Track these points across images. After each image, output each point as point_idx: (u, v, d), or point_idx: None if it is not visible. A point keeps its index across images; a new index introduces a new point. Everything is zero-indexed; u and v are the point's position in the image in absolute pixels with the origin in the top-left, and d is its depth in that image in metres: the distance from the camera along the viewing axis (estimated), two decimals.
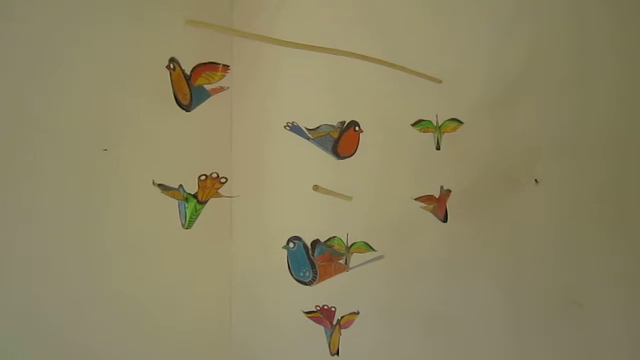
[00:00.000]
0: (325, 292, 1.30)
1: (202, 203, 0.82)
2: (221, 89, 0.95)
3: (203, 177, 0.79)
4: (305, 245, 0.79)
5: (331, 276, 0.79)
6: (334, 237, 0.93)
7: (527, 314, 1.06)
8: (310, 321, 0.94)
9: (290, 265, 0.80)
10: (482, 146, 1.14)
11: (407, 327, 1.24)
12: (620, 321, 0.95)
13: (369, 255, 0.87)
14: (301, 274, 0.79)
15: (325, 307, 0.91)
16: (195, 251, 1.52)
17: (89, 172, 1.32)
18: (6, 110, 1.19)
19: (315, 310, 0.92)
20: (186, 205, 0.84)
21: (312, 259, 0.78)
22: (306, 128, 0.92)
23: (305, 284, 0.79)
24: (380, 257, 0.79)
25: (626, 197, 0.95)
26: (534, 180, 1.05)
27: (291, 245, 0.79)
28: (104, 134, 1.34)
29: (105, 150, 1.31)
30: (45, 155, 1.25)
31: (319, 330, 0.94)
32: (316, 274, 0.78)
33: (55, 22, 1.27)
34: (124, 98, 1.39)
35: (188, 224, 0.85)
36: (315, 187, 0.77)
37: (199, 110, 1.50)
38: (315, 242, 0.79)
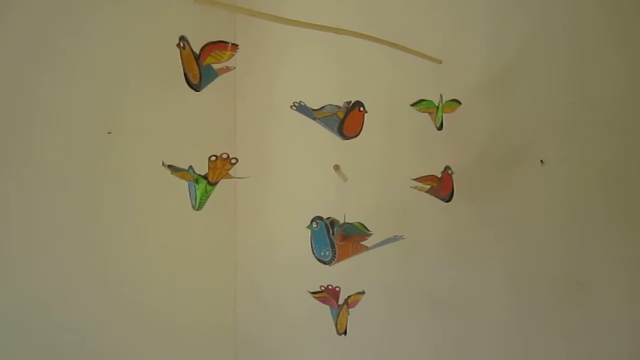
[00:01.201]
0: (329, 273, 1.32)
1: (213, 184, 0.80)
2: (227, 68, 0.93)
3: (213, 158, 0.77)
4: (326, 225, 0.79)
5: (349, 256, 0.79)
6: (329, 217, 0.91)
7: (532, 295, 1.08)
8: (316, 304, 0.94)
9: (312, 245, 0.81)
10: (483, 127, 1.15)
11: (413, 306, 1.26)
12: (624, 302, 0.97)
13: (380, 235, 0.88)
14: (322, 254, 0.79)
15: (330, 287, 0.92)
16: (200, 235, 1.50)
17: (93, 156, 1.29)
18: (9, 94, 1.15)
19: (320, 290, 0.93)
20: (196, 187, 0.82)
21: (332, 239, 0.79)
22: (311, 108, 0.92)
23: (325, 263, 0.80)
24: (401, 238, 0.80)
25: (629, 180, 0.97)
26: (539, 161, 1.06)
27: (314, 225, 0.80)
28: (108, 117, 1.31)
29: (110, 133, 1.28)
30: (48, 139, 1.21)
31: (324, 314, 0.95)
32: (335, 253, 0.78)
33: (58, 5, 1.22)
34: (127, 81, 1.35)
35: (198, 205, 0.83)
36: (337, 167, 0.77)
37: (203, 91, 1.48)
38: (334, 223, 0.79)
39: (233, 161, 0.77)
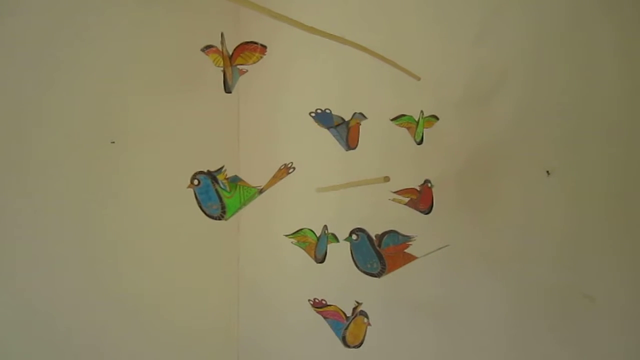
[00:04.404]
0: (331, 279, 1.26)
1: (262, 192, 0.75)
2: (242, 71, 0.89)
3: (282, 167, 0.73)
4: (369, 237, 0.75)
5: (400, 266, 0.75)
6: (302, 228, 0.91)
7: (533, 307, 1.04)
8: (317, 314, 0.87)
9: (354, 258, 0.75)
10: (463, 140, 1.14)
11: (412, 316, 1.23)
12: (630, 314, 0.93)
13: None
14: (368, 266, 0.74)
15: (317, 300, 0.86)
16: (203, 240, 1.50)
17: (96, 165, 1.28)
18: (14, 102, 1.14)
19: (326, 304, 0.86)
20: (225, 195, 0.75)
21: (378, 251, 0.74)
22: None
23: (374, 275, 0.75)
24: (446, 246, 0.76)
25: (631, 190, 0.93)
26: (543, 171, 1.02)
27: (354, 237, 0.75)
28: (111, 127, 1.30)
29: (113, 142, 1.28)
30: (52, 149, 1.19)
31: (325, 323, 0.89)
32: (384, 265, 0.74)
33: (60, 13, 1.23)
34: (130, 90, 1.35)
35: (230, 214, 0.75)
36: (387, 179, 0.74)
37: (205, 99, 1.44)
38: (385, 234, 0.75)
39: (290, 171, 0.73)
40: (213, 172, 0.74)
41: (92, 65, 1.27)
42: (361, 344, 0.84)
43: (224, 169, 0.75)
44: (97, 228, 1.28)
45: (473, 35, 1.14)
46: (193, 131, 1.47)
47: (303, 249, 0.93)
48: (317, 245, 0.91)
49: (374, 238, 0.75)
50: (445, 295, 1.16)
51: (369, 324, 0.84)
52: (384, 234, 0.75)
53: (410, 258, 0.75)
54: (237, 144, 1.62)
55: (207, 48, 0.86)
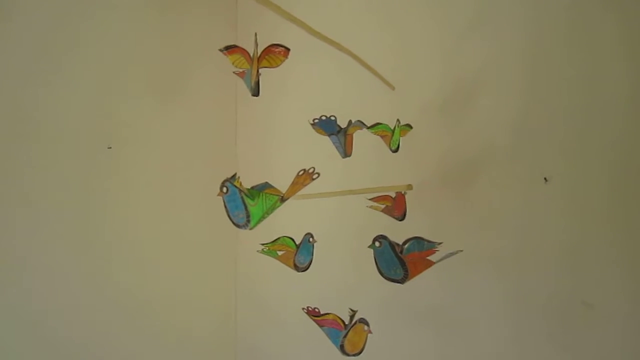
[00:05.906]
0: (328, 283, 1.30)
1: (284, 200, 0.74)
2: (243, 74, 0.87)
3: (301, 172, 0.72)
4: (391, 244, 0.78)
5: (421, 272, 0.79)
6: (280, 237, 0.92)
7: (531, 315, 1.04)
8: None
9: (378, 265, 0.78)
10: (458, 145, 1.15)
11: (409, 323, 1.24)
12: (629, 321, 0.93)
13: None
14: (392, 273, 0.78)
15: (310, 308, 0.88)
16: (201, 243, 1.50)
17: (93, 171, 1.25)
18: (9, 107, 1.10)
19: (326, 312, 0.87)
20: (249, 203, 0.74)
21: (400, 257, 0.78)
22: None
23: (397, 282, 0.78)
24: (459, 251, 0.82)
25: (630, 197, 0.93)
26: (543, 178, 1.02)
27: (377, 244, 0.78)
28: (108, 132, 1.27)
29: (110, 148, 1.25)
30: (48, 154, 1.18)
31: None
32: (407, 271, 0.78)
33: (57, 17, 1.19)
34: (126, 94, 1.32)
35: (255, 223, 0.74)
36: (410, 187, 0.78)
37: (203, 103, 1.39)
38: (408, 240, 0.79)
39: (315, 176, 0.72)
40: (229, 179, 0.74)
41: (87, 70, 1.24)
42: (361, 352, 0.84)
43: (237, 176, 0.74)
44: (95, 231, 1.25)
45: (464, 36, 1.14)
46: (191, 135, 1.45)
47: (275, 258, 0.91)
48: (296, 254, 0.90)
49: (396, 245, 0.80)
50: (445, 302, 1.16)
51: (370, 332, 0.84)
52: (406, 240, 0.78)
53: (429, 263, 0.79)
54: (235, 148, 1.60)
55: (227, 48, 0.83)
